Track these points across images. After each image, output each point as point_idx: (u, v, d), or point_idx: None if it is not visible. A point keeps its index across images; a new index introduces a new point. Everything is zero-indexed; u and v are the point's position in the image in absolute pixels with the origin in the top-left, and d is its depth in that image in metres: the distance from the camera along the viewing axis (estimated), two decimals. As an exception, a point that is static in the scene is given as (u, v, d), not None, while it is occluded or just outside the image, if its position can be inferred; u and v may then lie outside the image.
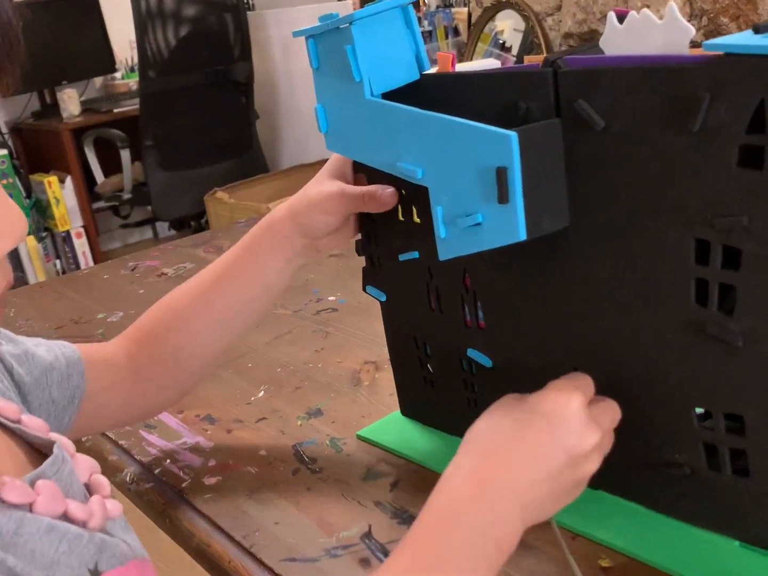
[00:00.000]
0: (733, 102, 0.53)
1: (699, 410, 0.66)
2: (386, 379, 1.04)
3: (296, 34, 0.75)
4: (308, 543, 0.76)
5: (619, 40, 0.59)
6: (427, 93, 0.71)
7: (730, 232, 0.56)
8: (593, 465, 0.63)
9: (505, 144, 0.59)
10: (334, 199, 0.82)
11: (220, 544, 0.78)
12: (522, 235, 0.60)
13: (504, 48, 1.93)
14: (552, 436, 0.62)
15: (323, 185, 0.83)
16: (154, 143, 3.66)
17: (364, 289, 0.90)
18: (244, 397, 1.06)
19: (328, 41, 0.72)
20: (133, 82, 4.35)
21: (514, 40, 1.92)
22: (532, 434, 0.62)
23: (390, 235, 0.84)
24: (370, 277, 0.90)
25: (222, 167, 3.83)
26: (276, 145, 4.30)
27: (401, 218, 0.81)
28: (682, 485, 0.69)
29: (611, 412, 0.66)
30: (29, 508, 0.54)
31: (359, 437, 0.93)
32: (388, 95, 0.71)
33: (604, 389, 0.67)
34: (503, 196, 0.60)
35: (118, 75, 4.54)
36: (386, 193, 0.79)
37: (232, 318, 0.89)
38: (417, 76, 0.72)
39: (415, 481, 0.83)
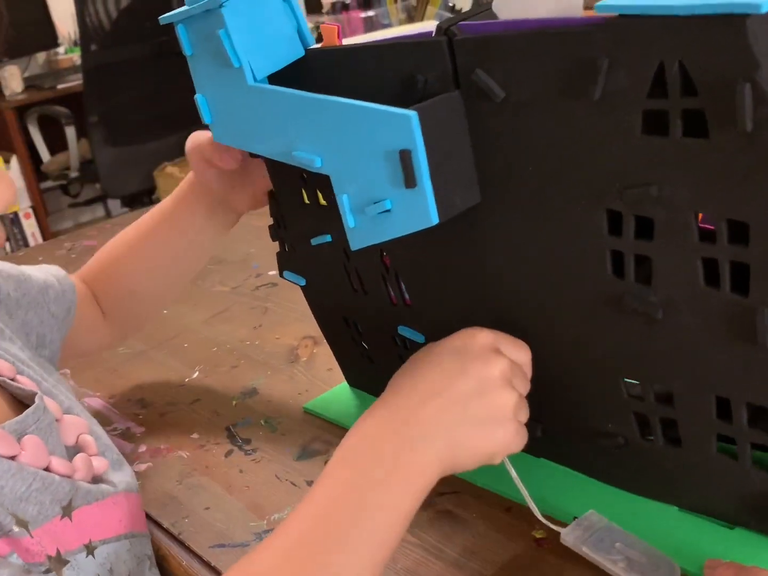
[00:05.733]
0: (632, 66, 0.50)
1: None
2: (324, 353, 1.02)
3: (163, 20, 0.70)
4: (239, 528, 0.75)
5: (512, 3, 0.56)
6: (315, 71, 0.67)
7: (641, 203, 0.54)
8: (504, 397, 0.62)
9: (406, 125, 0.55)
10: (193, 149, 0.84)
11: (149, 533, 0.76)
12: (434, 219, 0.58)
13: (454, 11, 1.88)
14: (457, 363, 0.62)
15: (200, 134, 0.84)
16: (99, 119, 3.58)
17: (281, 275, 0.87)
18: (178, 379, 1.04)
19: (199, 26, 0.67)
20: (76, 57, 4.23)
21: (464, 3, 1.87)
22: (438, 366, 0.62)
23: (298, 219, 0.81)
24: (284, 262, 0.87)
25: (171, 141, 3.71)
26: (226, 115, 4.22)
27: (307, 201, 0.78)
28: (617, 455, 0.69)
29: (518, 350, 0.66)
30: (12, 459, 0.59)
31: (306, 410, 0.91)
32: (273, 78, 0.67)
33: (533, 359, 0.66)
34: (410, 180, 0.57)
35: (61, 50, 4.45)
36: (224, 156, 0.81)
37: (166, 266, 0.93)
38: (301, 53, 0.68)
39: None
